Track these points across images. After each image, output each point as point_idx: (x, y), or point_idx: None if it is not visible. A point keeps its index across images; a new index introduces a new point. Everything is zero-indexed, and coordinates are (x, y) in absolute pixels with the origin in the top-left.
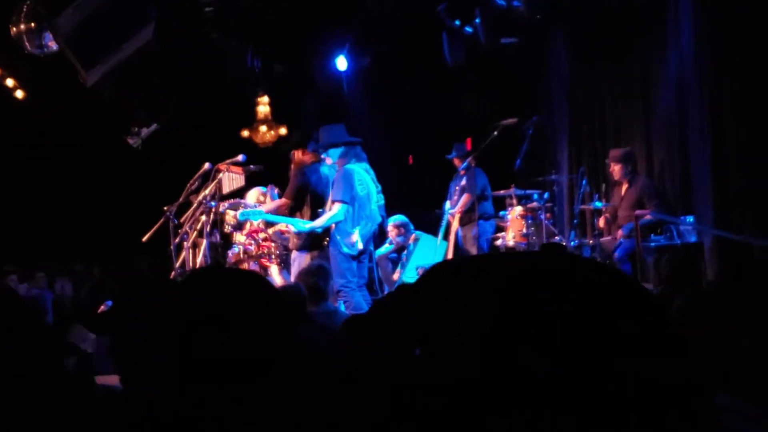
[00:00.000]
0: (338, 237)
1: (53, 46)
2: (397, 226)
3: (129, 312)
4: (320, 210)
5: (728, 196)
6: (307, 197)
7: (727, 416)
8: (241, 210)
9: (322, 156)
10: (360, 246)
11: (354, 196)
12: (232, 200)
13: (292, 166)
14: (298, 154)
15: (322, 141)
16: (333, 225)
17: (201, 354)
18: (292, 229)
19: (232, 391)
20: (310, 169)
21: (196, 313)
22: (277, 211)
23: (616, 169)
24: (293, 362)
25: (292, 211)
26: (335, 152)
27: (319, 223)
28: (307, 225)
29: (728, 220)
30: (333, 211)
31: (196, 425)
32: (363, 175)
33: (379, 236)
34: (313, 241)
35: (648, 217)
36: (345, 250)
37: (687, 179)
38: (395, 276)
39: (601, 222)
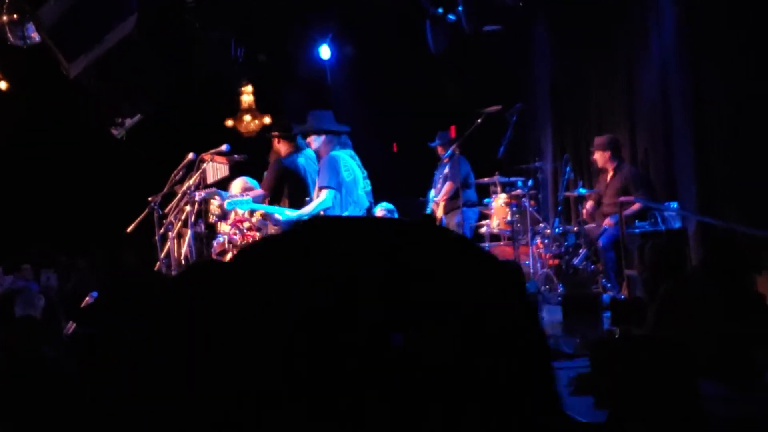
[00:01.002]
0: None
1: (36, 37)
2: (384, 210)
3: (115, 305)
4: (307, 199)
5: (712, 182)
6: (284, 189)
7: (710, 402)
8: (228, 200)
9: (308, 141)
10: None
11: (340, 181)
12: (207, 189)
13: (271, 157)
14: (274, 144)
15: (308, 126)
16: (321, 212)
17: (195, 352)
18: (280, 218)
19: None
20: (287, 160)
21: (191, 312)
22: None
23: (598, 156)
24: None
25: (270, 203)
26: (319, 138)
27: (308, 210)
28: (295, 213)
29: (712, 205)
30: (321, 198)
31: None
32: (348, 161)
33: None
34: None
35: (635, 206)
36: None
37: (670, 165)
38: None
39: (585, 213)
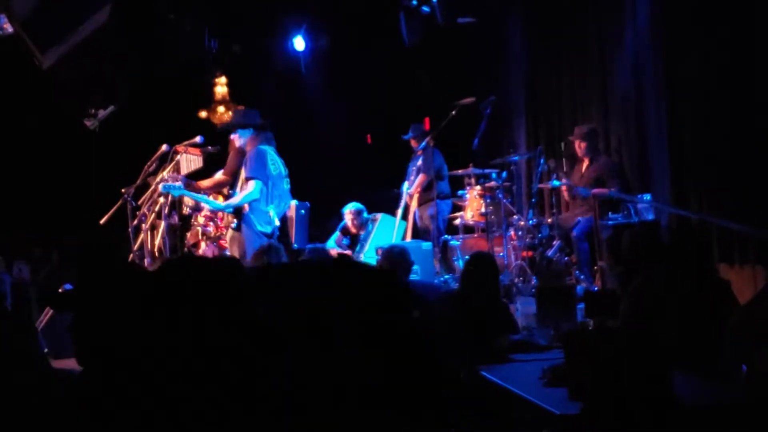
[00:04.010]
0: (252, 216)
1: (8, 28)
2: (352, 213)
3: (90, 292)
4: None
5: (685, 174)
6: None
7: (682, 393)
8: (163, 183)
9: (231, 136)
10: (277, 222)
11: (268, 174)
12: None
13: (231, 147)
14: (235, 137)
15: (233, 121)
16: (246, 204)
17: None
18: (208, 207)
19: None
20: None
21: (169, 300)
22: (213, 188)
23: (582, 146)
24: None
25: (232, 186)
26: (245, 133)
27: (235, 201)
28: (223, 203)
29: (685, 197)
30: (248, 189)
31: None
32: (275, 156)
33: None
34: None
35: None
36: (259, 228)
37: (644, 157)
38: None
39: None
